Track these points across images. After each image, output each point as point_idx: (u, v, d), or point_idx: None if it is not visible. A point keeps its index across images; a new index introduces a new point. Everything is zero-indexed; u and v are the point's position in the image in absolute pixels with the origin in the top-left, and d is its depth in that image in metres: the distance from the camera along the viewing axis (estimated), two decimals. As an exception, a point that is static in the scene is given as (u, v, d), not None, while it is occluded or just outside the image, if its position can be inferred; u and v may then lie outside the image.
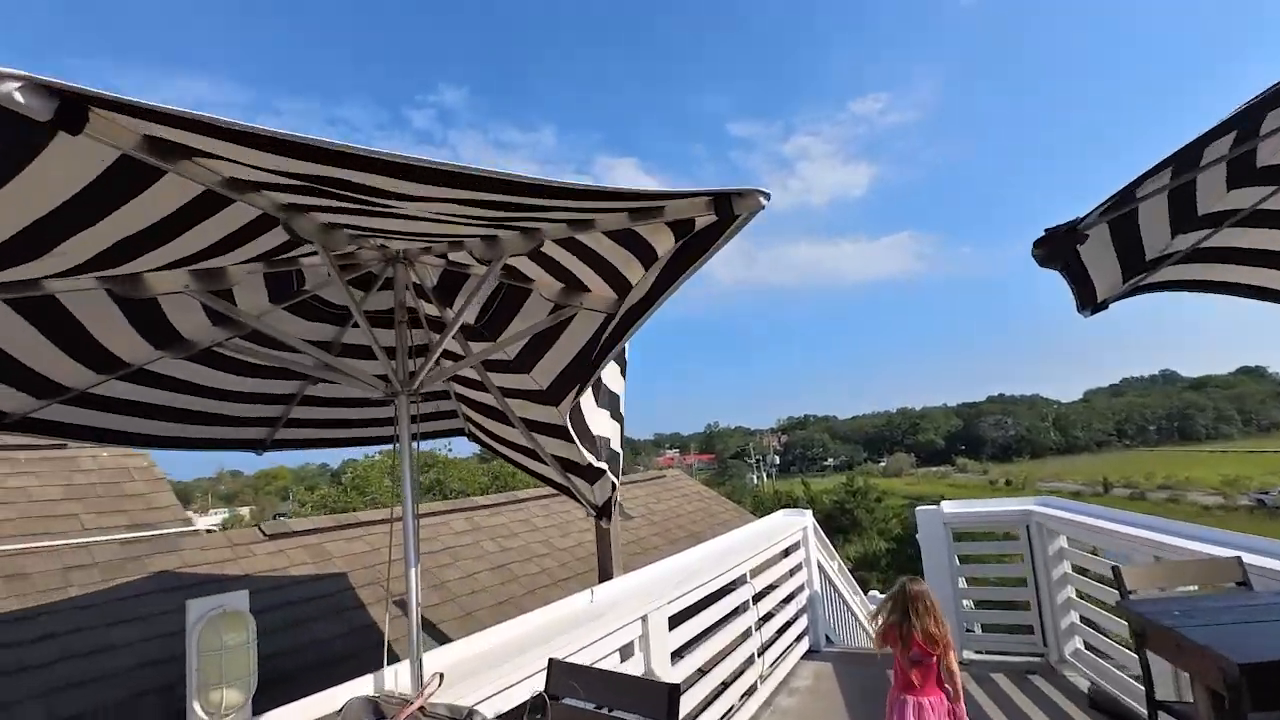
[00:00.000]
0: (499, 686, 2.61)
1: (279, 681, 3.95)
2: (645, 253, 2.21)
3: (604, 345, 2.60)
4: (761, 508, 41.58)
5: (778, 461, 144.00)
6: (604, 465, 2.95)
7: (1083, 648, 5.19)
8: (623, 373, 3.21)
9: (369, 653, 4.46)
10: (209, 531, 5.45)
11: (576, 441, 2.60)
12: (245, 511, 73.54)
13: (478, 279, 2.34)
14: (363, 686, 2.42)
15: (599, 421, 2.93)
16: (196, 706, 1.94)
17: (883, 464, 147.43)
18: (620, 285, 2.54)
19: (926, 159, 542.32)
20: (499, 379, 3.34)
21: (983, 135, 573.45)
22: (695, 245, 1.82)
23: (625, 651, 3.57)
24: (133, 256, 1.73)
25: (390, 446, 2.62)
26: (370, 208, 1.68)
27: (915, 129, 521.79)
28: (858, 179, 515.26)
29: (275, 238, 1.94)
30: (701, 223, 1.77)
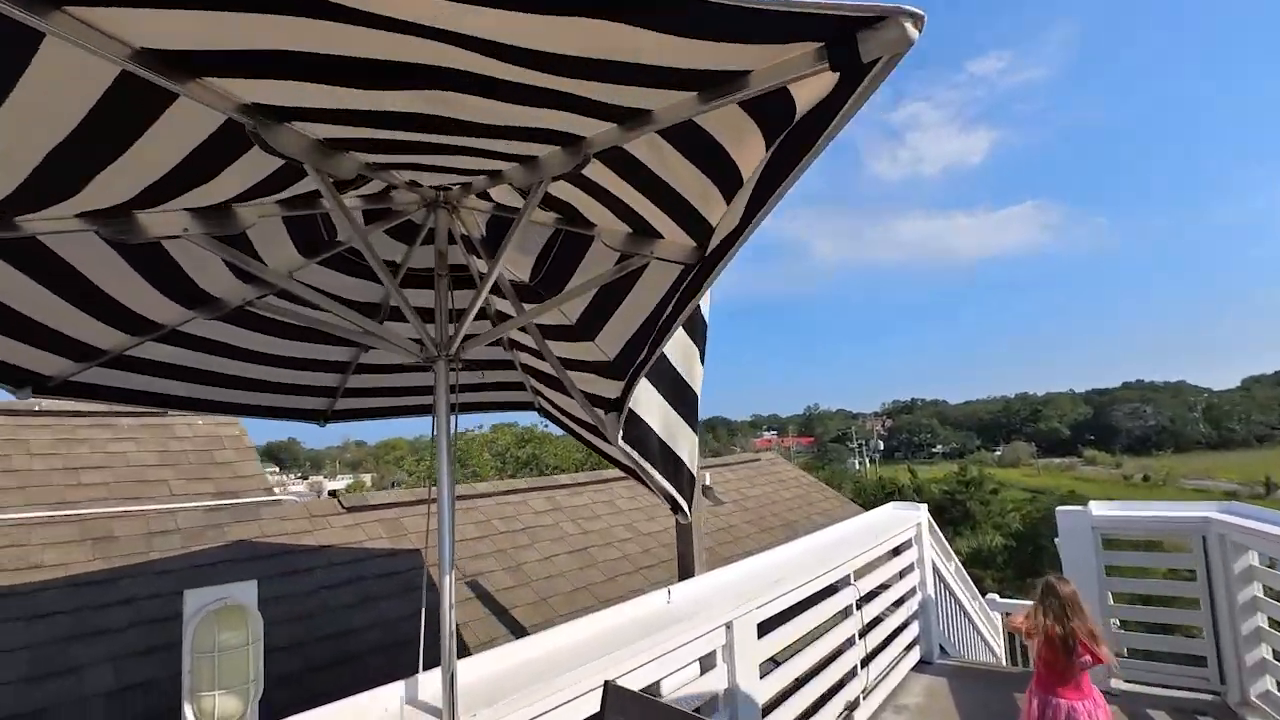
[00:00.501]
0: (549, 705, 2.22)
1: (343, 663, 3.81)
2: (726, 176, 1.68)
3: (680, 299, 2.10)
4: (863, 494, 39.58)
5: (881, 446, 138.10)
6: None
7: (1275, 689, 4.29)
8: (695, 337, 2.68)
9: (432, 637, 4.27)
10: (332, 494, 5.57)
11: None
12: (367, 478, 79.28)
13: (524, 216, 1.90)
14: (391, 695, 2.10)
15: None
16: (188, 712, 1.67)
17: (998, 452, 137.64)
18: (698, 227, 2.03)
19: (1054, 121, 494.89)
20: (560, 348, 2.92)
21: (1120, 94, 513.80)
22: (796, 142, 1.25)
23: (705, 662, 3.13)
24: (78, 175, 1.41)
25: (456, 417, 2.25)
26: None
27: (1041, 88, 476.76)
28: (975, 145, 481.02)
29: (262, 162, 1.58)
30: (807, 96, 1.20)
